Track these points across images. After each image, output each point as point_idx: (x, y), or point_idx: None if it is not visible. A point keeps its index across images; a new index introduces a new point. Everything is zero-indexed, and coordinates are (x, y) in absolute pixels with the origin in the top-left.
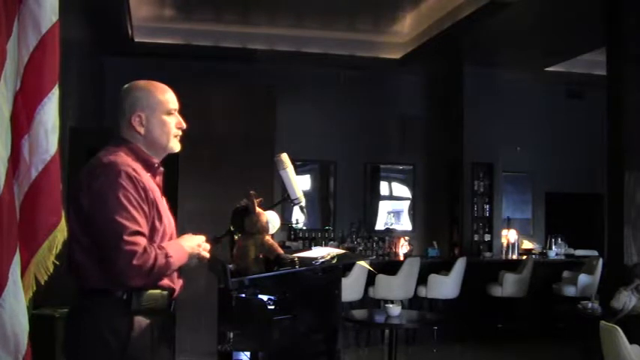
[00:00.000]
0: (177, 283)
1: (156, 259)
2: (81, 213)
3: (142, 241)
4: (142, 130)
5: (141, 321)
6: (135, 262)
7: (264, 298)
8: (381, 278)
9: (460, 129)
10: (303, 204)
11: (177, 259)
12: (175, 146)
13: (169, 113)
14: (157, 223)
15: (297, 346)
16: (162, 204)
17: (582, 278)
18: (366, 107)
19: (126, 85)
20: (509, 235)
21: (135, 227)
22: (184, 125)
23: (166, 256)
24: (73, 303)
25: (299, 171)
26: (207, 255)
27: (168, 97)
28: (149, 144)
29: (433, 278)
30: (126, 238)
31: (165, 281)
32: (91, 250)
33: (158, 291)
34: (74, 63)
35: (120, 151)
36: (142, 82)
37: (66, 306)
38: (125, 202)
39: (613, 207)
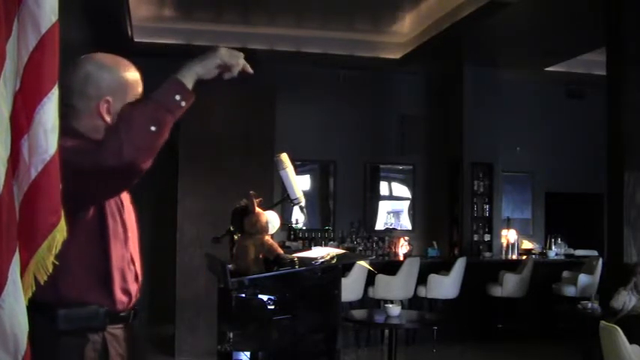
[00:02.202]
0: (123, 295)
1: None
2: None
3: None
4: (108, 119)
5: (70, 343)
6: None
7: (264, 298)
8: (380, 278)
9: (460, 129)
10: (302, 204)
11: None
12: None
13: (135, 98)
14: (117, 228)
15: (296, 346)
16: (125, 206)
17: (582, 278)
18: (366, 107)
19: (86, 58)
20: (509, 235)
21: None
22: None
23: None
24: None
25: (299, 171)
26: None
27: (137, 79)
28: None
29: (433, 278)
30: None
31: (102, 296)
32: None
33: (91, 307)
34: (74, 63)
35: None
36: (107, 59)
37: None
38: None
39: (613, 207)
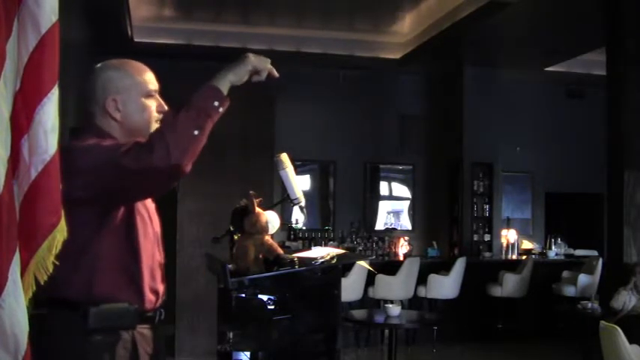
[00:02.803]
0: (152, 294)
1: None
2: None
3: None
4: (117, 116)
5: (100, 342)
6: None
7: (264, 298)
8: (380, 278)
9: (460, 129)
10: (303, 204)
11: (204, 93)
12: None
13: (149, 95)
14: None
15: (296, 346)
16: (151, 208)
17: (582, 278)
18: (366, 107)
19: (97, 65)
20: (508, 235)
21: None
22: (166, 108)
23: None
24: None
25: (299, 171)
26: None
27: (147, 77)
28: (126, 132)
29: (433, 278)
30: (122, 150)
31: (132, 295)
32: None
33: (122, 305)
34: (74, 63)
35: (91, 140)
36: (115, 61)
37: None
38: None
39: (613, 207)
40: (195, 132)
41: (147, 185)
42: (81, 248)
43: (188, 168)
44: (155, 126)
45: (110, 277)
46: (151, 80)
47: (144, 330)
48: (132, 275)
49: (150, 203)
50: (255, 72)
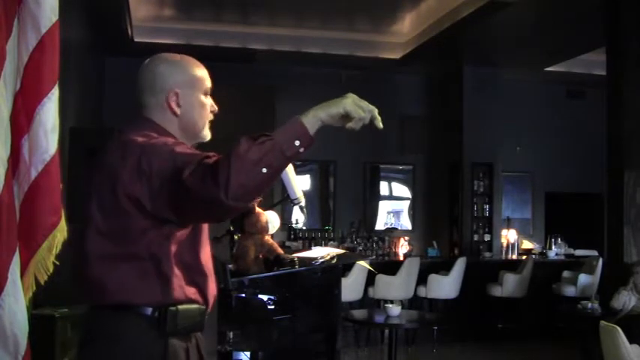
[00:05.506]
0: (211, 297)
1: (235, 151)
2: (108, 200)
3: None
4: (178, 111)
5: (176, 345)
6: (211, 176)
7: (264, 298)
8: (380, 278)
9: (460, 129)
10: (303, 204)
11: (286, 132)
12: (207, 134)
13: (206, 93)
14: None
15: (296, 346)
16: None
17: (582, 278)
18: None
19: (154, 57)
20: (509, 235)
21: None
22: (216, 108)
23: (258, 139)
24: (87, 325)
25: (299, 171)
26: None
27: (205, 74)
28: (183, 128)
29: (433, 278)
30: (193, 165)
31: (199, 297)
32: (115, 244)
33: (195, 306)
34: (74, 63)
35: (151, 133)
36: (174, 55)
37: (66, 306)
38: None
39: (613, 207)
40: (264, 170)
41: (203, 212)
42: (154, 252)
43: (246, 205)
44: (207, 127)
45: (182, 279)
46: (208, 77)
47: (200, 335)
48: (198, 278)
49: None
50: (348, 117)
